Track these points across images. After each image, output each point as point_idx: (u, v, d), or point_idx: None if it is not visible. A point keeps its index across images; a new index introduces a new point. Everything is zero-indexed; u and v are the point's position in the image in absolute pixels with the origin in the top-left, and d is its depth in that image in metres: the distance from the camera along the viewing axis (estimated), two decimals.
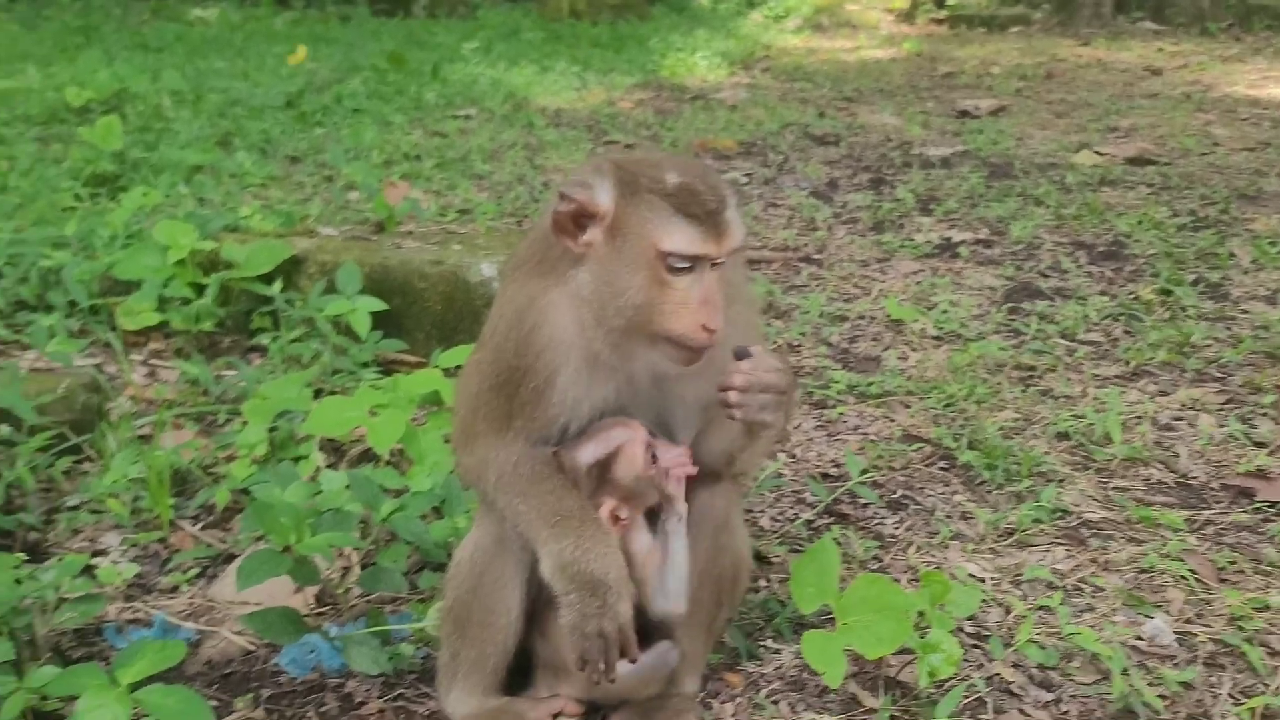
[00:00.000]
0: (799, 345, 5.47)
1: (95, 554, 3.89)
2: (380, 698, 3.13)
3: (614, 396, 2.77)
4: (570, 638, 2.66)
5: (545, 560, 2.68)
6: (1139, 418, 4.67)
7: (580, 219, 2.62)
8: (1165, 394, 4.94)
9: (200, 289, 5.37)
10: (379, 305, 4.97)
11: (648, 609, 2.84)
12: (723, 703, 3.06)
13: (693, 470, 2.80)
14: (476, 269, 5.13)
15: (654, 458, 2.76)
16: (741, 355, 2.65)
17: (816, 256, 6.81)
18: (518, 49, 15.54)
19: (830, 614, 3.11)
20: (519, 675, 3.06)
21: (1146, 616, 3.43)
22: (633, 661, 2.69)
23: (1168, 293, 6.03)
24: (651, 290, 2.58)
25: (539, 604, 2.92)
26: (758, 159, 9.32)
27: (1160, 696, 3.05)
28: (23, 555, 3.44)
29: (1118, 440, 4.42)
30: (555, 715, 2.95)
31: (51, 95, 10.71)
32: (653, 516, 2.87)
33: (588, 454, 2.76)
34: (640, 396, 2.81)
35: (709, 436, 2.88)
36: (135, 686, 2.70)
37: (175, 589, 3.71)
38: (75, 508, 4.11)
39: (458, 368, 4.24)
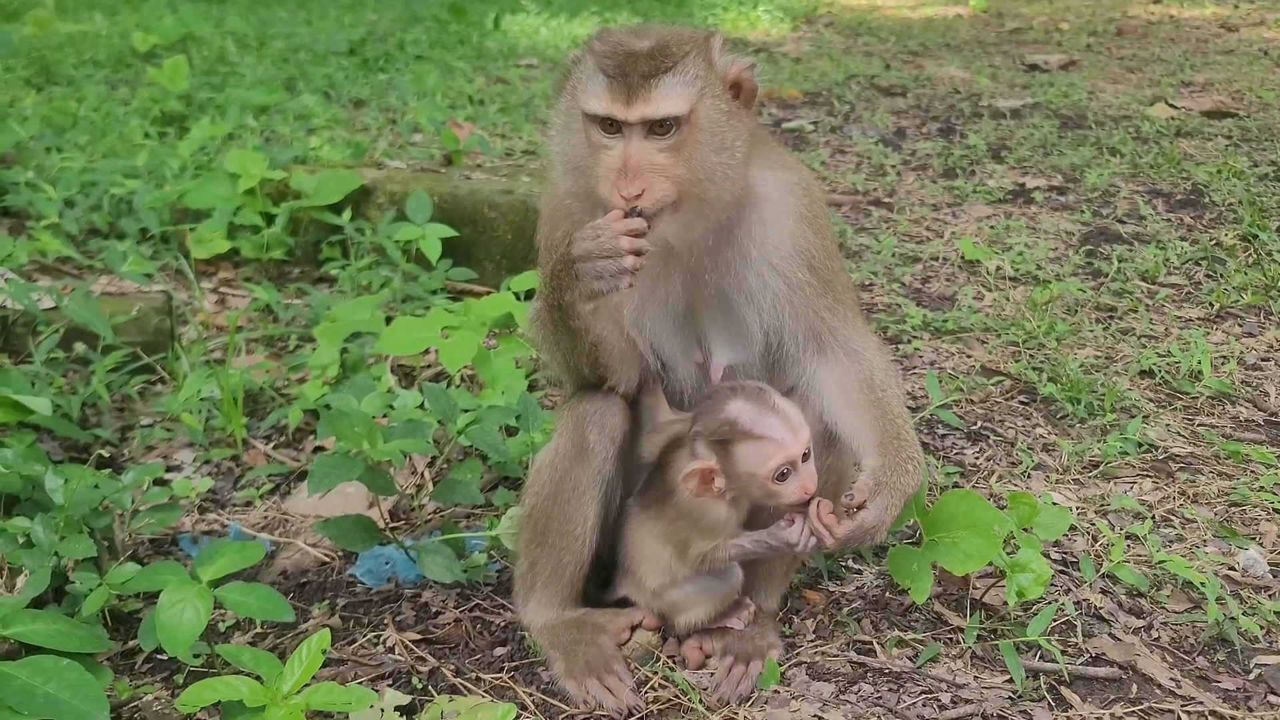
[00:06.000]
0: (871, 284, 5.37)
1: (169, 469, 3.90)
2: (456, 608, 3.11)
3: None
4: None
5: None
6: (1225, 357, 4.54)
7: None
8: (1251, 335, 4.80)
9: (270, 218, 5.37)
10: (449, 231, 4.92)
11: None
12: (804, 619, 3.00)
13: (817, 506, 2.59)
14: None
15: (783, 475, 2.55)
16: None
17: (887, 200, 6.69)
18: (579, 1, 15.39)
19: (913, 537, 3.04)
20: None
21: (1239, 548, 3.33)
22: None
23: (1251, 239, 5.85)
24: (583, 152, 2.56)
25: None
26: (823, 108, 9.16)
27: (1257, 625, 2.96)
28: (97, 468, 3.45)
29: (1208, 375, 4.30)
30: (634, 627, 2.90)
31: (118, 41, 10.76)
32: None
33: (719, 417, 2.57)
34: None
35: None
36: (215, 585, 2.69)
37: (249, 504, 3.71)
38: (149, 425, 4.12)
39: (530, 292, 4.20)
